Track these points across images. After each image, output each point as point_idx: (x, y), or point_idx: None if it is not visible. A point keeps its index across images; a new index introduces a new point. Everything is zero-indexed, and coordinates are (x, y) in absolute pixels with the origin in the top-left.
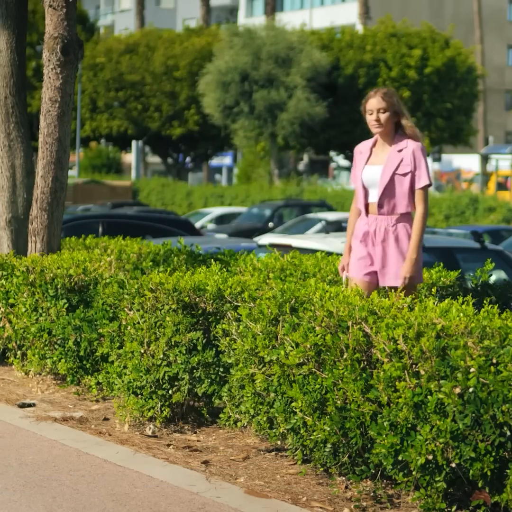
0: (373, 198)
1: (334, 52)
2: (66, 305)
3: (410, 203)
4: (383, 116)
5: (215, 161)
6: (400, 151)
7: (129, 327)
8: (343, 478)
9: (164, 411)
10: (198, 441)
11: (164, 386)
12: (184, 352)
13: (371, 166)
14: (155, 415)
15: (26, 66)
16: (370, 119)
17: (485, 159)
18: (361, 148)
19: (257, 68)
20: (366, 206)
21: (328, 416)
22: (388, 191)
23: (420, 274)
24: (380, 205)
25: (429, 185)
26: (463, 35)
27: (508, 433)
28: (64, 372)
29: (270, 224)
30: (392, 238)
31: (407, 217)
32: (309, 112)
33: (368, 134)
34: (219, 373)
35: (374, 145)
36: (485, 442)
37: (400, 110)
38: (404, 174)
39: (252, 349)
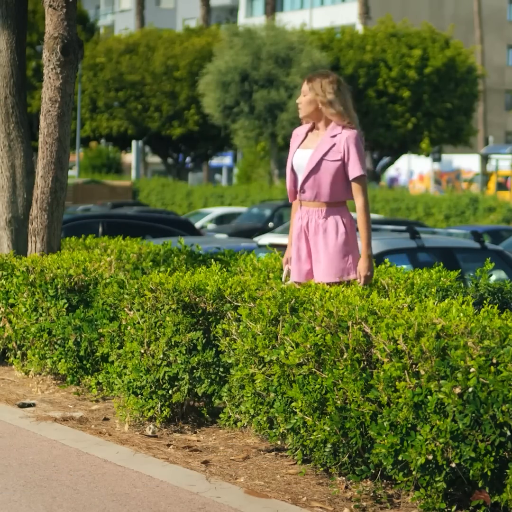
0: (299, 184)
1: (334, 52)
2: (66, 305)
3: (339, 193)
4: (304, 100)
5: (215, 161)
6: (333, 136)
7: (129, 327)
8: (343, 478)
9: (164, 411)
10: (198, 441)
11: (164, 386)
12: (184, 352)
13: (303, 149)
14: (155, 415)
15: (26, 66)
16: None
17: (485, 159)
18: (298, 132)
19: (257, 68)
20: (294, 193)
21: (328, 416)
22: (314, 176)
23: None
24: (302, 191)
25: (363, 176)
26: (463, 35)
27: (508, 433)
28: (64, 372)
29: (270, 224)
30: (321, 231)
31: (338, 209)
32: None
33: (368, 134)
34: (219, 373)
35: (311, 129)
36: (485, 442)
37: (324, 98)
38: (334, 161)
39: (252, 349)
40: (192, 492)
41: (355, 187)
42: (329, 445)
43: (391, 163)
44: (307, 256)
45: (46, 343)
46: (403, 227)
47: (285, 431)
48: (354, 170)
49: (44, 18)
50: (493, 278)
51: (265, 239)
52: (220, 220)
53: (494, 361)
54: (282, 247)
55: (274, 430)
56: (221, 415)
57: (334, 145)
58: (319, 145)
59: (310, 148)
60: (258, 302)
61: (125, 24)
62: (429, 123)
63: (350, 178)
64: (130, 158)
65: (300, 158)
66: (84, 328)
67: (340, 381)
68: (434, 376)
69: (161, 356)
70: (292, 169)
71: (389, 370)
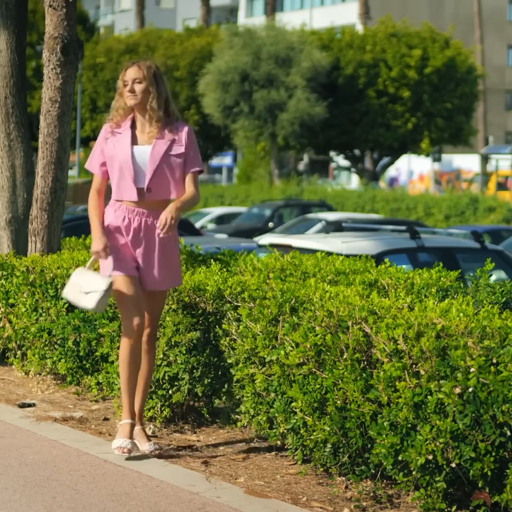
0: (141, 183)
1: (334, 52)
2: (66, 305)
3: (179, 190)
4: (138, 87)
5: (215, 161)
6: (170, 130)
7: None
8: (343, 478)
9: (164, 411)
10: (198, 441)
11: (164, 386)
12: (184, 352)
13: (141, 146)
14: (155, 415)
15: (26, 66)
16: (125, 90)
17: (485, 159)
18: (117, 129)
19: (257, 68)
20: (136, 192)
21: (328, 416)
22: (159, 174)
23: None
24: (148, 190)
25: (201, 171)
26: (463, 35)
27: (508, 433)
28: (64, 372)
29: (270, 224)
30: (157, 237)
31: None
32: (309, 112)
33: (368, 134)
34: (219, 373)
35: (133, 125)
36: (485, 442)
37: (158, 87)
38: (177, 155)
39: (252, 349)
40: (192, 492)
41: (191, 178)
42: (329, 445)
43: (391, 163)
44: (130, 252)
45: (46, 343)
46: (403, 227)
47: (285, 431)
48: (195, 163)
49: (44, 18)
50: (493, 278)
51: (265, 239)
52: (220, 220)
53: (494, 361)
54: (282, 247)
55: (274, 430)
56: (221, 415)
57: (174, 139)
58: (158, 140)
59: (148, 144)
60: (258, 302)
61: (125, 24)
62: (429, 123)
63: (191, 171)
64: None
65: (140, 155)
66: (82, 328)
67: (340, 381)
68: (434, 376)
69: (161, 356)
70: (134, 168)
71: (389, 370)
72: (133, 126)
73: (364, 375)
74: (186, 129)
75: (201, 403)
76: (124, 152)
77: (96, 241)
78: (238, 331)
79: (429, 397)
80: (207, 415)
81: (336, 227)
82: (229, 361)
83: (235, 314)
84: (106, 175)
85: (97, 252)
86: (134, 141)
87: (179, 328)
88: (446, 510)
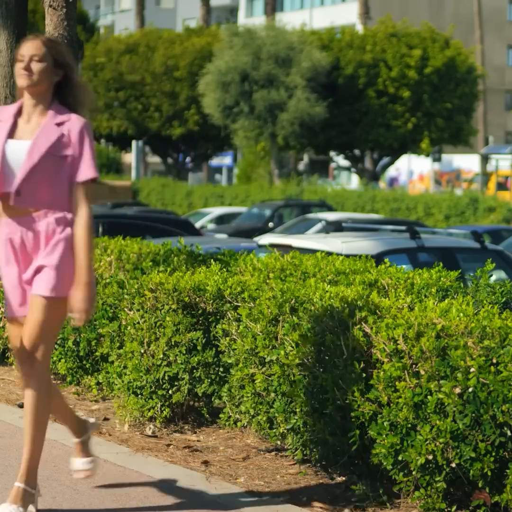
0: (10, 186)
1: (334, 52)
2: None
3: (61, 203)
4: (36, 66)
5: (215, 161)
6: (59, 124)
7: (129, 327)
8: (343, 478)
9: (164, 411)
10: (198, 441)
11: (164, 386)
12: (184, 352)
13: (19, 140)
14: (155, 415)
15: None
16: (19, 67)
17: (485, 159)
18: (0, 116)
19: (257, 68)
20: (3, 197)
21: (328, 416)
22: (34, 176)
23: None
24: (17, 194)
25: (95, 179)
26: (463, 35)
27: (508, 433)
28: (64, 372)
29: (270, 224)
30: (42, 245)
31: (65, 221)
32: (309, 112)
33: (368, 134)
34: (219, 373)
35: (19, 112)
36: (485, 442)
37: (66, 65)
38: (62, 157)
39: (252, 349)
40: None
41: (82, 190)
42: (329, 445)
43: (391, 163)
44: (20, 285)
45: None
46: (403, 227)
47: (285, 431)
48: (88, 169)
49: (44, 18)
50: (493, 278)
51: (265, 239)
52: (220, 220)
53: (494, 361)
54: (282, 247)
55: (274, 430)
56: (221, 415)
57: (62, 135)
58: (42, 134)
59: (28, 139)
60: (258, 302)
61: (125, 24)
62: (429, 123)
63: (81, 179)
64: (130, 158)
65: (17, 151)
66: (82, 328)
67: (340, 381)
68: (434, 376)
69: (161, 356)
70: (5, 166)
71: (389, 370)
72: (19, 114)
73: (364, 375)
74: (80, 124)
75: (201, 403)
76: None
77: None
78: (238, 331)
79: (429, 397)
80: (207, 415)
81: (336, 227)
82: (229, 361)
83: (235, 314)
84: None
85: None
86: (12, 133)
87: (179, 328)
88: (446, 510)
